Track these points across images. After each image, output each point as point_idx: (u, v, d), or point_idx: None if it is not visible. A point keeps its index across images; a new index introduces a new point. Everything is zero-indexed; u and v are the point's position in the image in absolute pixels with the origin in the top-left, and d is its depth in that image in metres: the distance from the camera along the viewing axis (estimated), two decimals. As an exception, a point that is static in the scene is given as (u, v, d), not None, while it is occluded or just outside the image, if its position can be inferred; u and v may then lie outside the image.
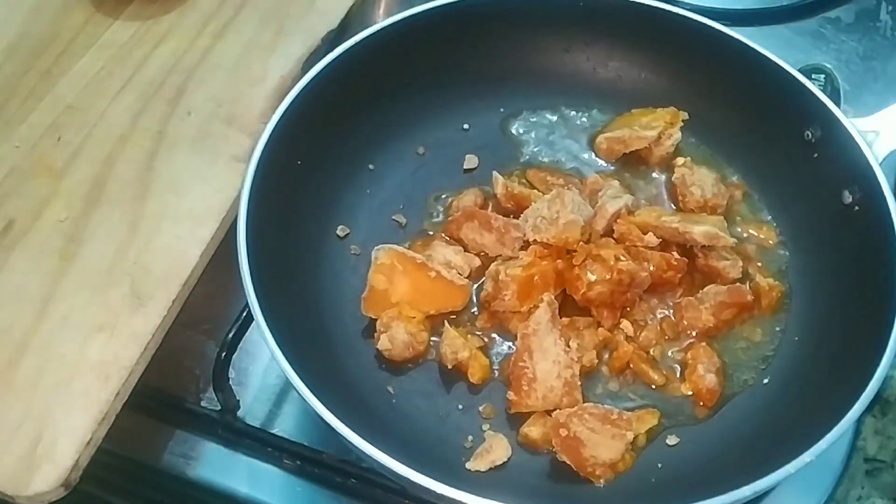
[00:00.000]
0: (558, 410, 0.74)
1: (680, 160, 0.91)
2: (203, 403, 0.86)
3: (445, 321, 0.81)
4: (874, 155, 0.79)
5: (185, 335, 0.87)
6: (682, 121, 0.92)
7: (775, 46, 1.09)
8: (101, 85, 0.98)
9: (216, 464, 0.83)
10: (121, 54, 1.00)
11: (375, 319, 0.81)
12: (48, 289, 0.82)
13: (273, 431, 0.84)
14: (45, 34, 1.02)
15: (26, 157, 0.91)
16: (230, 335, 0.82)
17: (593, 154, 0.94)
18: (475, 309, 0.83)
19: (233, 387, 0.84)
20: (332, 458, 0.81)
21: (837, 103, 1.04)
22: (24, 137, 0.93)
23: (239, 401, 0.84)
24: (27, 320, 0.80)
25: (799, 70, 1.05)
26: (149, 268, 0.83)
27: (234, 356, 0.83)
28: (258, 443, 0.84)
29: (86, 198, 0.88)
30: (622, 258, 0.79)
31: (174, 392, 0.87)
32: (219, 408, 0.84)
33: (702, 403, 0.78)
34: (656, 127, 0.91)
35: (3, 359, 0.78)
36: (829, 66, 1.08)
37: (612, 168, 0.93)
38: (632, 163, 0.93)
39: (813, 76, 1.06)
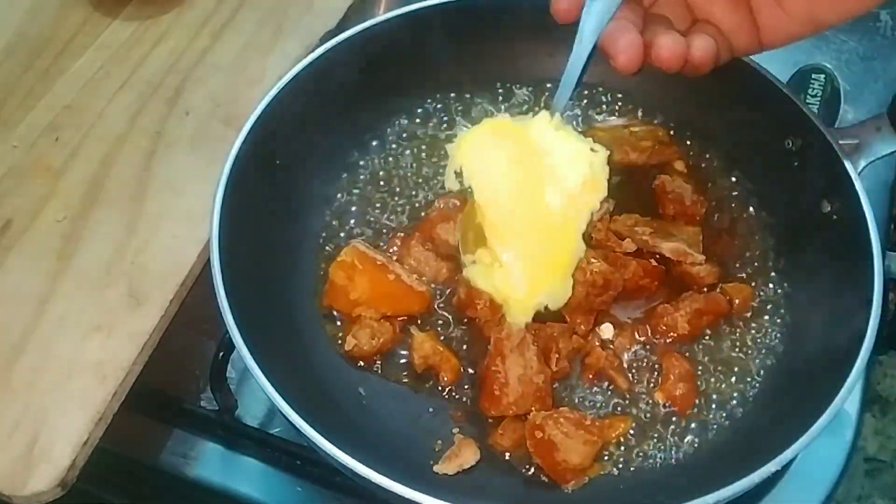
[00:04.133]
0: (535, 412, 0.74)
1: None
2: (202, 403, 0.86)
3: (413, 326, 0.82)
4: (853, 166, 0.79)
5: (185, 335, 0.87)
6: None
7: (775, 46, 1.10)
8: (99, 85, 0.98)
9: (215, 463, 0.84)
10: (119, 54, 1.01)
11: (349, 323, 0.81)
12: (46, 289, 0.82)
13: (272, 431, 0.84)
14: (44, 34, 1.02)
15: (24, 156, 0.92)
16: (228, 335, 0.82)
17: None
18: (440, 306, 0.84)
19: (231, 387, 0.84)
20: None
21: (837, 103, 1.04)
22: (22, 137, 0.93)
23: (237, 401, 0.84)
24: (25, 320, 0.80)
25: (799, 70, 1.06)
26: (146, 268, 0.83)
27: (232, 356, 0.82)
28: (256, 443, 0.84)
29: (84, 198, 0.88)
30: (594, 260, 0.79)
31: (173, 392, 0.87)
32: (217, 408, 0.84)
33: (676, 411, 0.78)
34: (647, 149, 0.91)
35: (1, 358, 0.78)
36: (829, 66, 1.08)
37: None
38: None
39: (813, 76, 1.06)
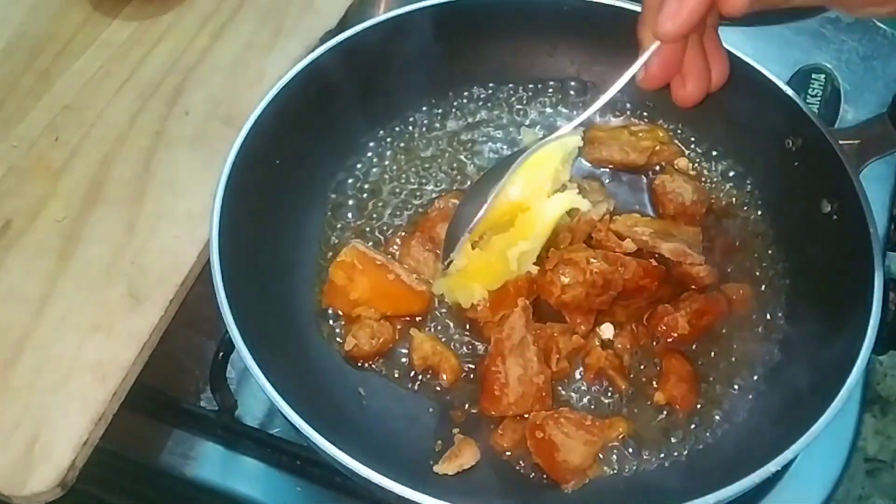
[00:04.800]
0: (535, 412, 0.75)
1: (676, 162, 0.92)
2: (202, 403, 0.86)
3: (413, 327, 0.82)
4: (853, 166, 0.79)
5: (184, 335, 0.87)
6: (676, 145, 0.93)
7: (775, 46, 1.10)
8: (99, 85, 0.98)
9: (215, 463, 0.84)
10: (119, 54, 1.00)
11: (349, 323, 0.82)
12: (45, 289, 0.82)
13: (272, 431, 0.84)
14: (44, 34, 1.02)
15: (24, 156, 0.92)
16: (228, 335, 0.82)
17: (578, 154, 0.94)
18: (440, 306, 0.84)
19: (231, 387, 0.84)
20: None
21: (837, 103, 1.04)
22: (22, 137, 0.93)
23: (237, 401, 0.84)
24: (24, 320, 0.80)
25: (799, 70, 1.06)
26: (146, 268, 0.83)
27: (232, 356, 0.82)
28: (256, 443, 0.84)
29: (83, 198, 0.88)
30: (593, 260, 0.79)
31: (173, 392, 0.87)
32: (216, 408, 0.83)
33: (676, 411, 0.78)
34: (647, 149, 0.91)
35: (1, 359, 0.78)
36: (829, 66, 1.08)
37: (596, 168, 0.93)
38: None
39: (813, 76, 1.06)
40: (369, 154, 0.93)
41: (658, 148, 0.92)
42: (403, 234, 0.88)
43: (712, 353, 0.82)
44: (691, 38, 0.69)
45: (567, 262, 0.79)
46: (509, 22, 0.93)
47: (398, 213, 0.90)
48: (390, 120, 0.95)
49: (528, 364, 0.76)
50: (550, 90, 0.98)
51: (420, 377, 0.80)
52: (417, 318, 0.83)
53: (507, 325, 0.77)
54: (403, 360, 0.81)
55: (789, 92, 0.84)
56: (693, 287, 0.83)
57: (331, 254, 0.86)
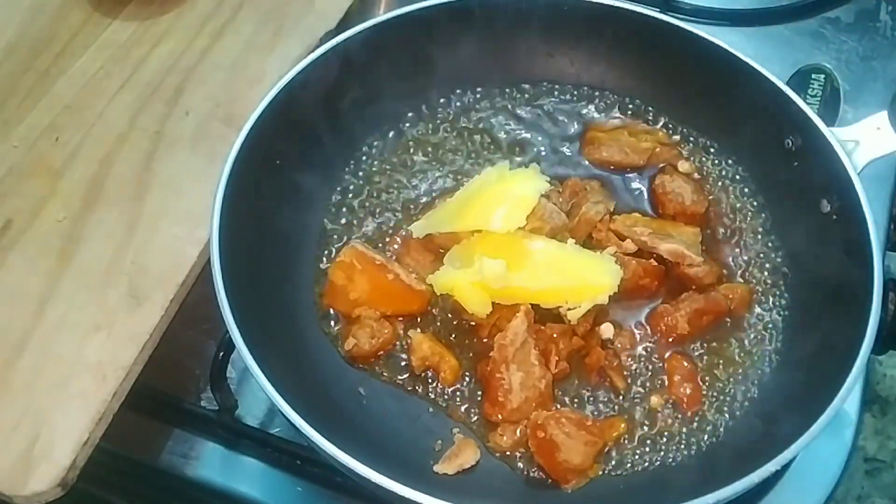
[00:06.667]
0: (536, 412, 0.75)
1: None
2: (202, 403, 0.86)
3: (412, 328, 0.82)
4: (853, 165, 0.79)
5: (185, 335, 0.87)
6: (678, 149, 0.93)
7: (775, 46, 1.10)
8: (99, 85, 0.98)
9: (215, 463, 0.83)
10: (119, 54, 1.01)
11: (348, 323, 0.82)
12: (46, 289, 0.82)
13: (272, 431, 0.84)
14: (44, 34, 1.02)
15: (24, 156, 0.92)
16: (228, 335, 0.82)
17: (578, 154, 0.94)
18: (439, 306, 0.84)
19: (231, 387, 0.84)
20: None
21: (837, 103, 1.04)
22: (23, 137, 0.93)
23: (237, 401, 0.84)
24: (25, 320, 0.80)
25: (799, 70, 1.06)
26: (146, 268, 0.83)
27: (232, 356, 0.82)
28: (256, 443, 0.84)
29: (84, 198, 0.88)
30: None
31: (173, 392, 0.87)
32: (217, 407, 0.84)
33: (680, 409, 0.78)
34: (647, 151, 0.91)
35: (1, 359, 0.78)
36: (829, 66, 1.08)
37: (596, 168, 0.93)
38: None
39: (813, 76, 1.06)
40: (369, 154, 0.93)
41: (658, 149, 0.92)
42: (403, 233, 0.88)
43: (712, 354, 0.82)
44: None
45: None
46: (509, 23, 0.93)
47: (398, 212, 0.90)
48: (389, 120, 0.95)
49: (530, 369, 0.76)
50: (550, 91, 0.98)
51: (420, 377, 0.80)
52: (417, 318, 0.83)
53: (510, 331, 0.77)
54: (403, 360, 0.81)
55: (789, 92, 0.84)
56: (693, 287, 0.83)
57: (330, 254, 0.86)
